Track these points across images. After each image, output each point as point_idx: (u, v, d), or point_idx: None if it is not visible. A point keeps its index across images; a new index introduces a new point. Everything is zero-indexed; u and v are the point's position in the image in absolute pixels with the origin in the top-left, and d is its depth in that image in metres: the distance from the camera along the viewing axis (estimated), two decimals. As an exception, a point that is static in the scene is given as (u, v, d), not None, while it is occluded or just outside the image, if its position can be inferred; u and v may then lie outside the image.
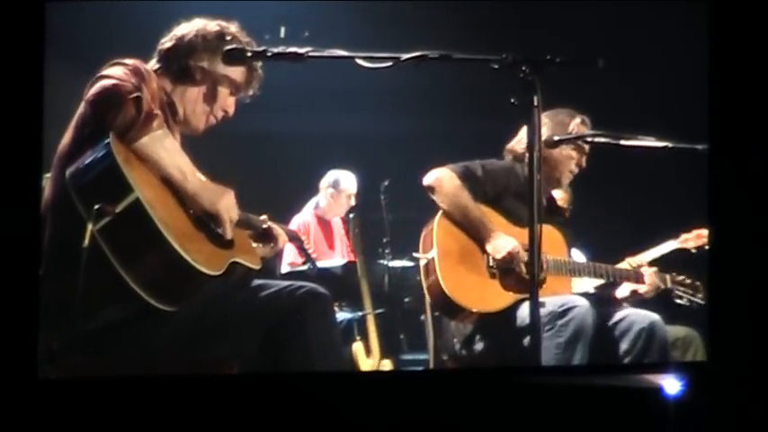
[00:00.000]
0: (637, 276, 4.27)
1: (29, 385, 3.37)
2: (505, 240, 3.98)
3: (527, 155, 3.83)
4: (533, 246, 3.00)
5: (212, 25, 3.36)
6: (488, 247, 3.99)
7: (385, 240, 6.07)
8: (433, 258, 3.99)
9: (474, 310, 3.95)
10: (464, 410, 3.56)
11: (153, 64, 3.34)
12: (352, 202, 6.14)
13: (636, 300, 4.27)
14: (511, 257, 3.96)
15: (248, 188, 3.49)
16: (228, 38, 3.34)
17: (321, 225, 6.15)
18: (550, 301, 3.82)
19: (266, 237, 3.60)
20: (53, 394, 3.39)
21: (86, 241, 2.93)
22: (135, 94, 3.05)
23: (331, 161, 6.19)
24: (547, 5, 5.04)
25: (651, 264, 4.39)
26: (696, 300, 4.32)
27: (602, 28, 5.07)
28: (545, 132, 4.03)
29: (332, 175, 6.17)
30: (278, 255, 5.67)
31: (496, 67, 3.03)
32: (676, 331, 4.25)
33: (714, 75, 3.70)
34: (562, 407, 3.54)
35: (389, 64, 3.05)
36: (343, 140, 6.11)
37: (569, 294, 4.00)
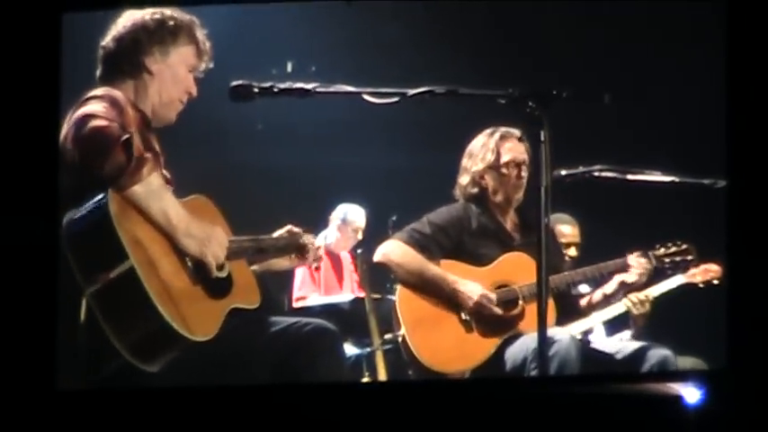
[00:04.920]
0: (621, 267, 4.10)
1: (47, 396, 3.37)
2: (471, 287, 3.94)
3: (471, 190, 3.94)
4: (541, 280, 2.98)
5: (148, 14, 3.24)
6: (458, 300, 3.94)
7: (393, 276, 6.05)
8: (403, 335, 3.95)
9: (461, 370, 3.91)
10: (476, 422, 3.52)
11: (100, 70, 3.24)
12: (359, 237, 6.13)
13: (627, 290, 4.13)
14: (481, 302, 3.92)
15: (259, 222, 3.46)
16: (171, 22, 3.24)
17: (331, 259, 6.14)
18: (531, 338, 3.70)
19: (290, 248, 3.53)
20: (71, 405, 3.38)
21: (83, 312, 2.91)
22: (124, 137, 2.93)
23: (342, 196, 6.19)
24: (559, 39, 5.04)
25: (658, 298, 4.33)
26: (689, 262, 4.15)
27: (618, 60, 5.06)
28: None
29: (340, 209, 6.19)
30: (286, 290, 5.69)
31: (503, 101, 3.03)
32: (684, 362, 4.20)
33: (732, 108, 3.66)
34: (581, 416, 3.50)
35: (396, 99, 3.05)
36: (354, 175, 6.11)
37: (551, 327, 3.83)
